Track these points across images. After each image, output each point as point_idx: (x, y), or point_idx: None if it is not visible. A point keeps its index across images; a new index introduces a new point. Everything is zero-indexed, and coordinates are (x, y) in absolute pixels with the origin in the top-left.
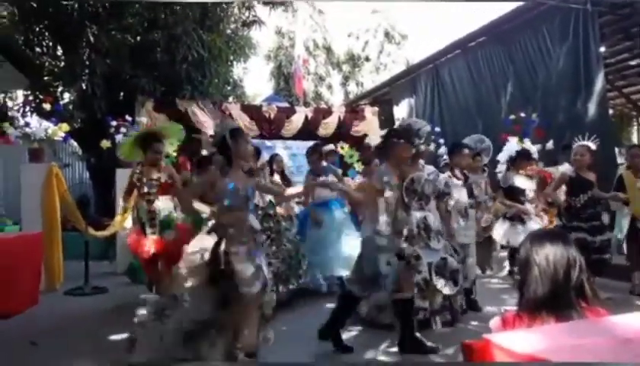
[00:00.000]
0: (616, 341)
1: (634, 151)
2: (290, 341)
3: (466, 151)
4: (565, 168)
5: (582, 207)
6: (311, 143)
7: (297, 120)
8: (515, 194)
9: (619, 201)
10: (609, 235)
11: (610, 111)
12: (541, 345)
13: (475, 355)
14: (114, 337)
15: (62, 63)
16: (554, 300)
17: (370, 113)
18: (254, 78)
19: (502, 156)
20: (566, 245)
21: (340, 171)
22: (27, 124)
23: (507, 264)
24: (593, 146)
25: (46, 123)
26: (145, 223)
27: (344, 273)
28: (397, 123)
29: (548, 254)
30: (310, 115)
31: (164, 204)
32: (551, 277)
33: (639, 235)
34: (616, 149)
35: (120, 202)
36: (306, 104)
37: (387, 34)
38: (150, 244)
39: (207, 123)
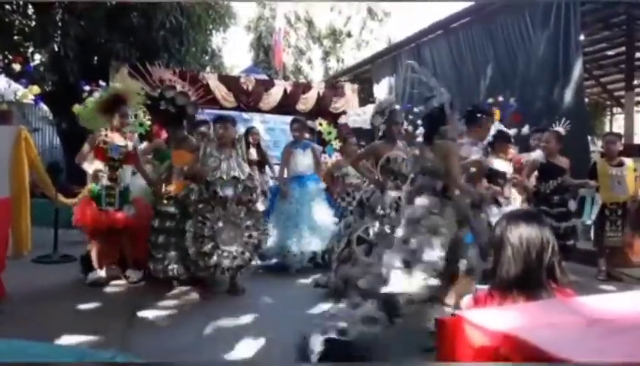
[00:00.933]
0: (585, 321)
1: (609, 138)
2: (264, 318)
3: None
4: (537, 154)
5: (550, 193)
6: (289, 118)
7: (276, 94)
8: (493, 176)
9: (590, 188)
10: (575, 222)
11: (586, 100)
12: (513, 322)
13: (448, 331)
14: (82, 306)
15: (34, 23)
16: (525, 280)
17: (350, 90)
18: (233, 49)
19: None
20: (540, 226)
21: (319, 147)
22: None
23: None
24: (562, 132)
25: (15, 85)
26: (102, 192)
27: (318, 248)
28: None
29: (522, 234)
30: (289, 89)
31: (124, 174)
32: (523, 257)
33: (606, 222)
34: (589, 137)
35: (90, 171)
36: (285, 78)
37: (370, 11)
38: (112, 219)
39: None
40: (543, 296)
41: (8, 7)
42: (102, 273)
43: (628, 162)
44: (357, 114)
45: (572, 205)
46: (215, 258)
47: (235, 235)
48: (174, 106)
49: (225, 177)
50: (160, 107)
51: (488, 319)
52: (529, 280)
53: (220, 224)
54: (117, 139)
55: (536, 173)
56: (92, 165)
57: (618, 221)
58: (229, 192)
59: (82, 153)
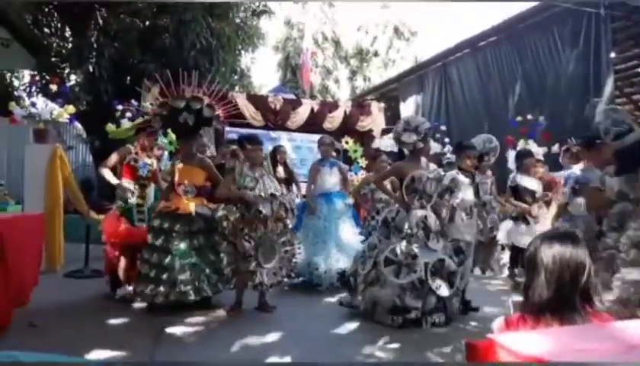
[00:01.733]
0: (621, 348)
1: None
2: (290, 336)
3: (472, 151)
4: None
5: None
6: (316, 136)
7: (303, 113)
8: (521, 194)
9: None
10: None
11: None
12: (547, 347)
13: (479, 355)
14: (111, 321)
15: (70, 45)
16: (558, 303)
17: (377, 108)
18: (262, 69)
19: (510, 160)
20: (575, 247)
21: (345, 166)
22: (33, 104)
23: (507, 265)
24: None
25: (51, 105)
26: (133, 209)
27: (345, 266)
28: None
29: (556, 255)
30: (316, 108)
31: (151, 192)
32: (557, 280)
33: None
34: None
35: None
36: (313, 97)
37: (396, 30)
38: (144, 235)
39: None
40: (577, 320)
41: (46, 30)
42: (130, 288)
43: None
44: (388, 142)
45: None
46: (258, 276)
47: (274, 251)
48: (196, 118)
49: (263, 195)
50: (179, 118)
51: (521, 343)
52: (562, 304)
53: (261, 242)
54: (145, 157)
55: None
56: (115, 178)
57: None
58: (268, 210)
59: (108, 162)
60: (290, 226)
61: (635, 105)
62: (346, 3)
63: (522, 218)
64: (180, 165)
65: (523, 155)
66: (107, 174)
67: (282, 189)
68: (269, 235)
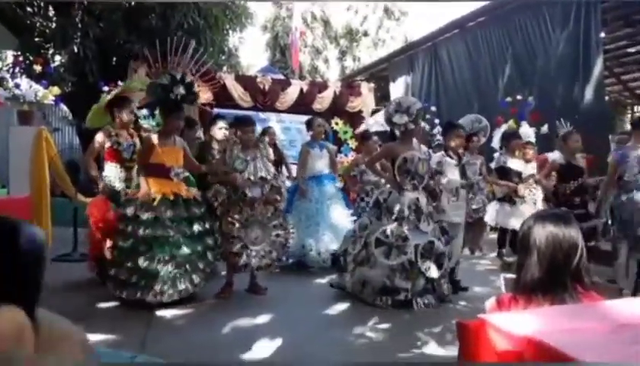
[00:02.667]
0: (611, 326)
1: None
2: (281, 318)
3: (459, 131)
4: (555, 154)
5: (570, 194)
6: (305, 117)
7: (292, 93)
8: (507, 175)
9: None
10: (595, 223)
11: (606, 98)
12: (537, 327)
13: (470, 335)
14: (102, 304)
15: (54, 24)
16: (550, 283)
17: (366, 89)
18: (250, 49)
19: (495, 140)
20: (569, 227)
21: (334, 147)
22: (17, 86)
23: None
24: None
25: (36, 86)
26: (120, 194)
27: (336, 246)
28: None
29: (549, 235)
30: (305, 88)
31: (135, 174)
32: (549, 260)
33: None
34: (610, 136)
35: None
36: (302, 78)
37: (386, 10)
38: None
39: (200, 91)
40: (568, 300)
41: (29, 9)
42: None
43: None
44: (376, 121)
45: (591, 206)
46: (244, 257)
47: (263, 234)
48: (187, 91)
49: (252, 178)
50: (171, 94)
51: (512, 322)
52: (554, 284)
53: (248, 224)
54: (126, 137)
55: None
56: (96, 171)
57: None
58: (257, 193)
59: (92, 151)
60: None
61: (624, 85)
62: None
63: (508, 199)
64: (161, 146)
65: (509, 136)
66: (93, 169)
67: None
68: (257, 217)
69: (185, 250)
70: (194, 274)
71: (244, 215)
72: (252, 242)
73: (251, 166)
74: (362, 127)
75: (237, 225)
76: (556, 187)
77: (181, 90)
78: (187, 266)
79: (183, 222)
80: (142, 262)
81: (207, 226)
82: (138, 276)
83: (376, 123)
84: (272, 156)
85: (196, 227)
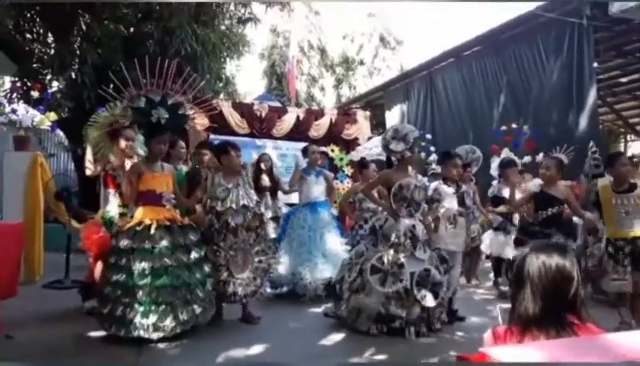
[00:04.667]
0: (614, 360)
1: (622, 160)
2: (275, 348)
3: (457, 160)
4: (534, 182)
5: (538, 224)
6: (302, 144)
7: (288, 120)
8: (501, 204)
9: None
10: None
11: (600, 127)
12: (539, 360)
13: None
14: (93, 333)
15: (53, 51)
16: (545, 316)
17: (362, 117)
18: (247, 76)
19: (492, 168)
20: (563, 259)
21: (331, 174)
22: (14, 111)
23: (492, 274)
24: (564, 159)
25: (33, 111)
26: (114, 219)
27: (330, 276)
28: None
29: (542, 267)
30: (302, 116)
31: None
32: (543, 292)
33: (609, 261)
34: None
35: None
36: (298, 105)
37: (382, 39)
38: None
39: (197, 118)
40: (564, 333)
41: (28, 35)
42: None
43: None
44: (368, 149)
45: (571, 243)
46: (231, 286)
47: (247, 261)
48: (170, 114)
49: (234, 206)
50: (152, 117)
51: (512, 356)
52: (549, 316)
53: (232, 252)
54: (125, 164)
55: None
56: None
57: (625, 261)
58: (239, 220)
59: (94, 170)
60: (274, 236)
61: (617, 114)
62: (331, 11)
63: (502, 228)
64: (149, 172)
65: (506, 165)
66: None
67: (264, 198)
68: (240, 245)
69: (184, 280)
70: (195, 305)
71: (227, 243)
72: (236, 270)
73: (233, 194)
74: (354, 153)
75: (222, 253)
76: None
77: (163, 112)
78: (188, 296)
79: (180, 249)
80: (139, 296)
81: (203, 253)
82: (135, 311)
83: (365, 149)
84: (267, 183)
85: (194, 255)
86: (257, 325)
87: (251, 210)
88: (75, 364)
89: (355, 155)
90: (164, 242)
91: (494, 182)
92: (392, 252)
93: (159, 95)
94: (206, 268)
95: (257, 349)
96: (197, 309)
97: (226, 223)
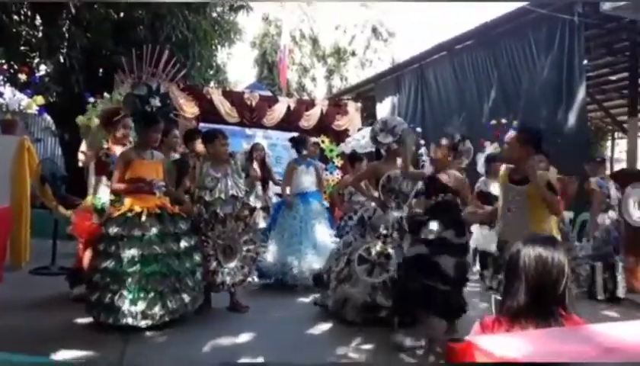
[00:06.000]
0: (598, 350)
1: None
2: (263, 337)
3: (442, 140)
4: (427, 167)
5: (421, 214)
6: (292, 134)
7: (279, 110)
8: (487, 199)
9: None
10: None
11: (589, 124)
12: (525, 349)
13: (457, 357)
14: (80, 320)
15: (41, 34)
16: (537, 307)
17: (353, 108)
18: (238, 65)
19: (479, 163)
20: (557, 252)
21: (322, 165)
22: (0, 94)
23: (477, 268)
24: (455, 139)
25: (20, 95)
26: (105, 206)
27: (319, 266)
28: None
29: (539, 259)
30: (292, 106)
31: None
32: (537, 284)
33: None
34: None
35: (92, 182)
36: (289, 95)
37: (375, 30)
38: None
39: (186, 106)
40: (553, 324)
41: (15, 17)
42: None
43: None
44: (357, 139)
45: (451, 236)
46: (220, 275)
47: (235, 251)
48: (161, 102)
49: (223, 196)
50: (147, 106)
51: (499, 345)
52: (541, 308)
53: (220, 242)
54: (119, 151)
55: None
56: (93, 178)
57: None
58: (228, 210)
59: (86, 158)
60: (264, 226)
61: (606, 112)
62: (325, 1)
63: (488, 222)
64: (139, 160)
65: (492, 160)
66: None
67: (256, 188)
68: (229, 234)
69: (174, 268)
70: (184, 294)
71: (216, 232)
72: (225, 260)
73: (221, 184)
74: (343, 145)
75: (210, 243)
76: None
77: (157, 102)
78: (177, 285)
79: (170, 238)
80: (128, 283)
81: (193, 242)
82: (124, 299)
83: (354, 139)
84: (259, 173)
85: (184, 244)
86: (245, 313)
87: (240, 200)
88: (62, 350)
89: (345, 147)
90: (154, 230)
91: (481, 178)
92: (379, 243)
93: (155, 83)
94: (196, 257)
95: (244, 338)
96: (186, 298)
97: (215, 213)
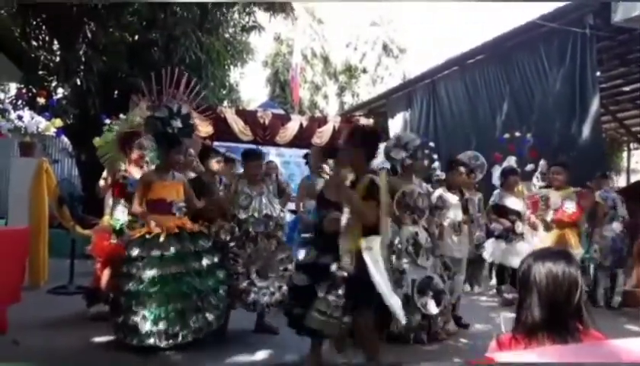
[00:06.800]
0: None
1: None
2: (279, 353)
3: (462, 168)
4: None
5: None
6: (304, 152)
7: (292, 128)
8: (503, 212)
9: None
10: None
11: (603, 135)
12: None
13: None
14: (97, 338)
15: (58, 58)
16: (551, 322)
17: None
18: (250, 84)
19: (495, 176)
20: (569, 266)
21: None
22: (20, 118)
23: (494, 281)
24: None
25: (38, 118)
26: (123, 226)
27: None
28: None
29: (549, 273)
30: (305, 123)
31: None
32: (550, 299)
33: None
34: (607, 173)
35: (109, 202)
36: (301, 113)
37: (385, 47)
38: None
39: (201, 125)
40: (570, 339)
41: (34, 43)
42: (107, 307)
43: None
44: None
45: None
46: (252, 295)
47: (270, 269)
48: (183, 123)
49: (257, 215)
50: (168, 127)
51: (520, 362)
52: (555, 323)
53: (252, 260)
54: (136, 172)
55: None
56: (110, 199)
57: None
58: (260, 229)
59: (104, 186)
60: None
61: (620, 123)
62: (335, 19)
63: (504, 236)
64: (160, 181)
65: (507, 173)
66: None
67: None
68: (262, 253)
69: (195, 286)
70: (207, 312)
71: (247, 250)
72: (259, 279)
73: (255, 202)
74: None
75: (240, 261)
76: None
77: (178, 123)
78: (199, 303)
79: (190, 256)
80: (150, 304)
81: (216, 259)
82: (146, 320)
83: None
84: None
85: (205, 261)
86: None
87: (273, 219)
88: None
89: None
90: (173, 249)
91: (496, 191)
92: (393, 258)
93: (176, 105)
94: (220, 275)
95: (262, 355)
96: (210, 317)
97: (247, 232)
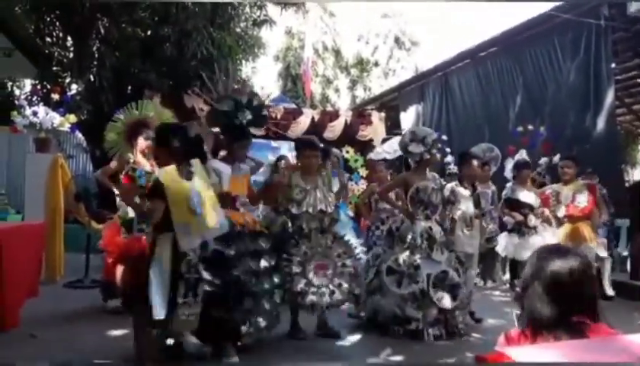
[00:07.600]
0: (634, 360)
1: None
2: (292, 348)
3: (475, 162)
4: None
5: None
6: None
7: (304, 122)
8: (516, 206)
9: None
10: None
11: (618, 128)
12: (556, 360)
13: None
14: (114, 332)
15: (72, 54)
16: (559, 318)
17: (377, 118)
18: (262, 78)
19: (507, 169)
20: (576, 261)
21: (347, 175)
22: (35, 114)
23: (508, 276)
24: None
25: (52, 114)
26: (133, 221)
27: None
28: (403, 130)
29: (557, 270)
30: (317, 117)
31: None
32: (557, 294)
33: None
34: (622, 165)
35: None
36: (313, 106)
37: (397, 40)
38: (143, 244)
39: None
40: (578, 334)
41: (48, 39)
42: None
43: None
44: (387, 152)
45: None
46: (310, 296)
47: (327, 267)
48: (254, 114)
49: (311, 211)
50: (236, 120)
51: (529, 356)
52: (563, 318)
53: (308, 258)
54: (144, 164)
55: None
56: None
57: None
58: (314, 225)
59: (107, 170)
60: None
61: (635, 115)
62: (346, 13)
63: (517, 230)
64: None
65: (520, 166)
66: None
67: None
68: (317, 249)
69: (250, 289)
70: (260, 317)
71: (301, 249)
72: (317, 278)
73: (310, 197)
74: (373, 155)
75: (294, 260)
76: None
77: (248, 115)
78: (252, 307)
79: (247, 257)
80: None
81: (274, 262)
82: None
83: (384, 151)
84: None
85: (264, 263)
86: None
87: (328, 215)
88: (98, 361)
89: (375, 156)
90: (232, 251)
91: (508, 184)
92: (407, 253)
93: (246, 96)
94: (276, 279)
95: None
96: (262, 323)
97: (300, 228)
